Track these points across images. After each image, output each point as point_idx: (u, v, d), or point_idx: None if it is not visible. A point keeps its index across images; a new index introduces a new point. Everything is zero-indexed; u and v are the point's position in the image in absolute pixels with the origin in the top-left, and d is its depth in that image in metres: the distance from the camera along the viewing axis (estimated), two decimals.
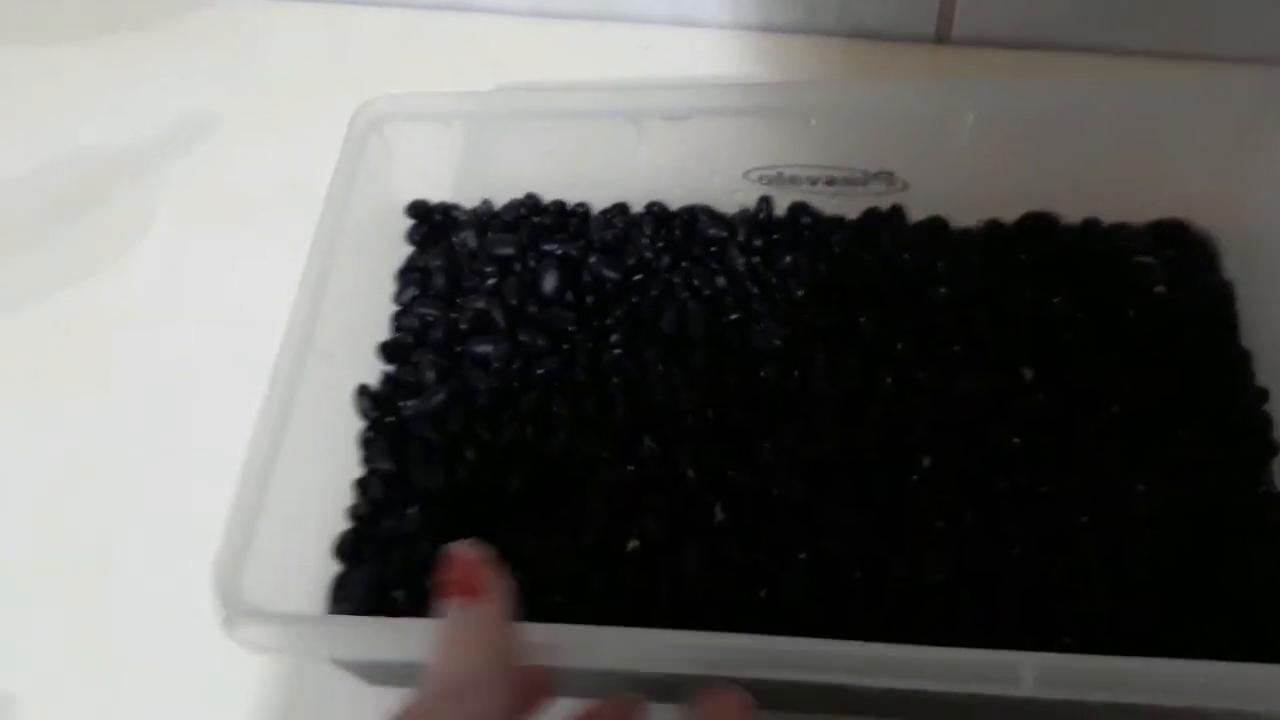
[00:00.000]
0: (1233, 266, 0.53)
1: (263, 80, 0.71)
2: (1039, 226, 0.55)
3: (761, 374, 0.51)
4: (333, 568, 0.50)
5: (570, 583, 0.47)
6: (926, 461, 0.48)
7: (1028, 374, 0.51)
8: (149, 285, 0.64)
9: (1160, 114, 0.52)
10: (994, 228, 0.55)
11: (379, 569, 0.49)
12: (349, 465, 0.53)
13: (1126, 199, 0.54)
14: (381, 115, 0.56)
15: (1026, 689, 0.36)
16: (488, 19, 0.72)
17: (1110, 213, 0.55)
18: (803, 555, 0.47)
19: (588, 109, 0.56)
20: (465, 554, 0.37)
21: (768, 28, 0.68)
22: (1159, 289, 0.52)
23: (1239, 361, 0.50)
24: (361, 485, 0.52)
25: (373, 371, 0.55)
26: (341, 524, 0.51)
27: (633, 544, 0.48)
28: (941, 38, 0.66)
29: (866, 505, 0.48)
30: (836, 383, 0.51)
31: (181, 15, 0.75)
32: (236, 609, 0.42)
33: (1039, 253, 0.54)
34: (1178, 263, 0.53)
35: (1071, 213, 0.55)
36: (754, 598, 0.46)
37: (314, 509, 0.51)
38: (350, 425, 0.54)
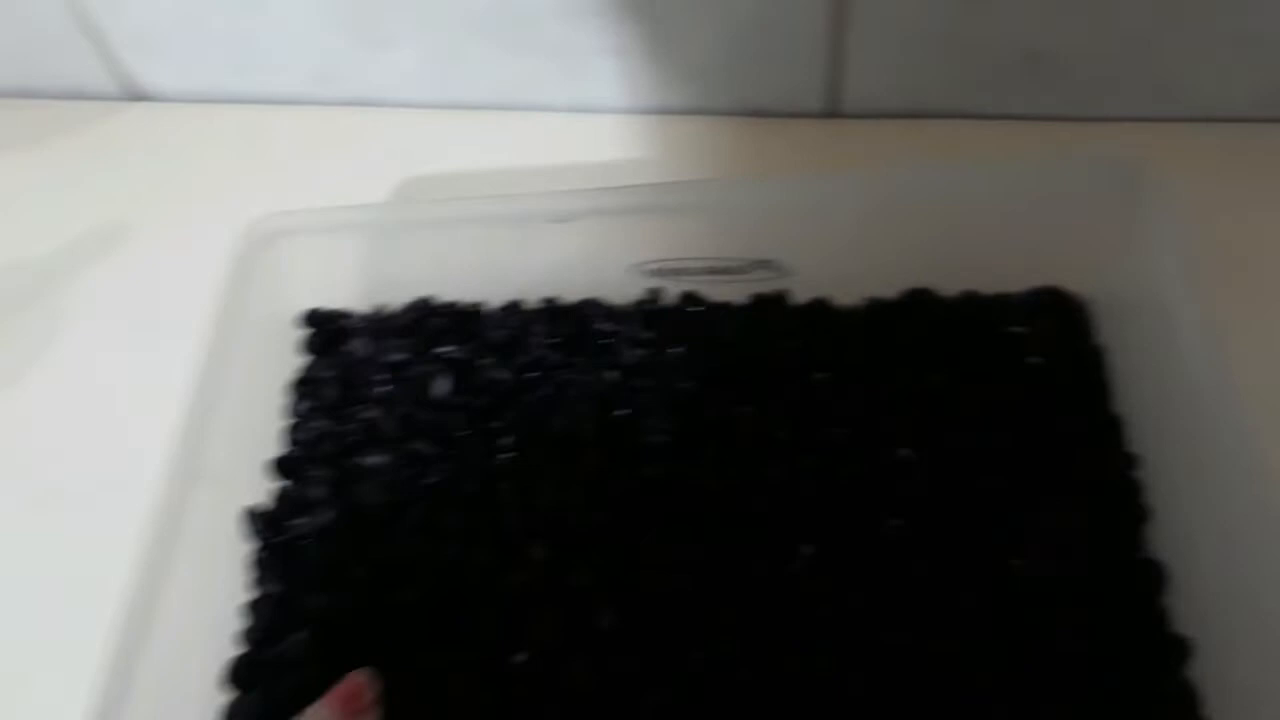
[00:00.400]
0: (1106, 332, 0.53)
1: (173, 186, 0.71)
2: (918, 302, 0.55)
3: (647, 472, 0.51)
4: (223, 697, 0.49)
5: (460, 700, 0.46)
6: (808, 550, 0.48)
7: (906, 454, 0.51)
8: (45, 401, 0.63)
9: (1032, 184, 0.53)
10: (875, 306, 0.55)
11: (268, 697, 0.48)
12: (240, 587, 0.52)
13: (1005, 268, 0.55)
14: (272, 232, 0.56)
15: None
16: (396, 114, 0.72)
17: (990, 283, 0.55)
18: (695, 656, 0.46)
19: (474, 216, 0.56)
20: (358, 681, 0.43)
21: (665, 110, 0.69)
22: (1033, 359, 0.52)
23: (1111, 428, 0.50)
24: (251, 609, 0.51)
25: (264, 488, 0.55)
26: (231, 650, 0.50)
27: (520, 657, 0.47)
28: (831, 112, 0.66)
29: (754, 599, 0.47)
30: (721, 476, 0.50)
31: (92, 122, 0.75)
32: None
33: (919, 329, 0.54)
34: (1052, 331, 0.53)
35: (952, 285, 0.55)
36: (645, 707, 0.45)
37: (203, 635, 0.50)
38: (243, 546, 0.53)
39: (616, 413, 0.53)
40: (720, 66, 0.65)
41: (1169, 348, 0.46)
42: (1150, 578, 0.46)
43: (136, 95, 0.75)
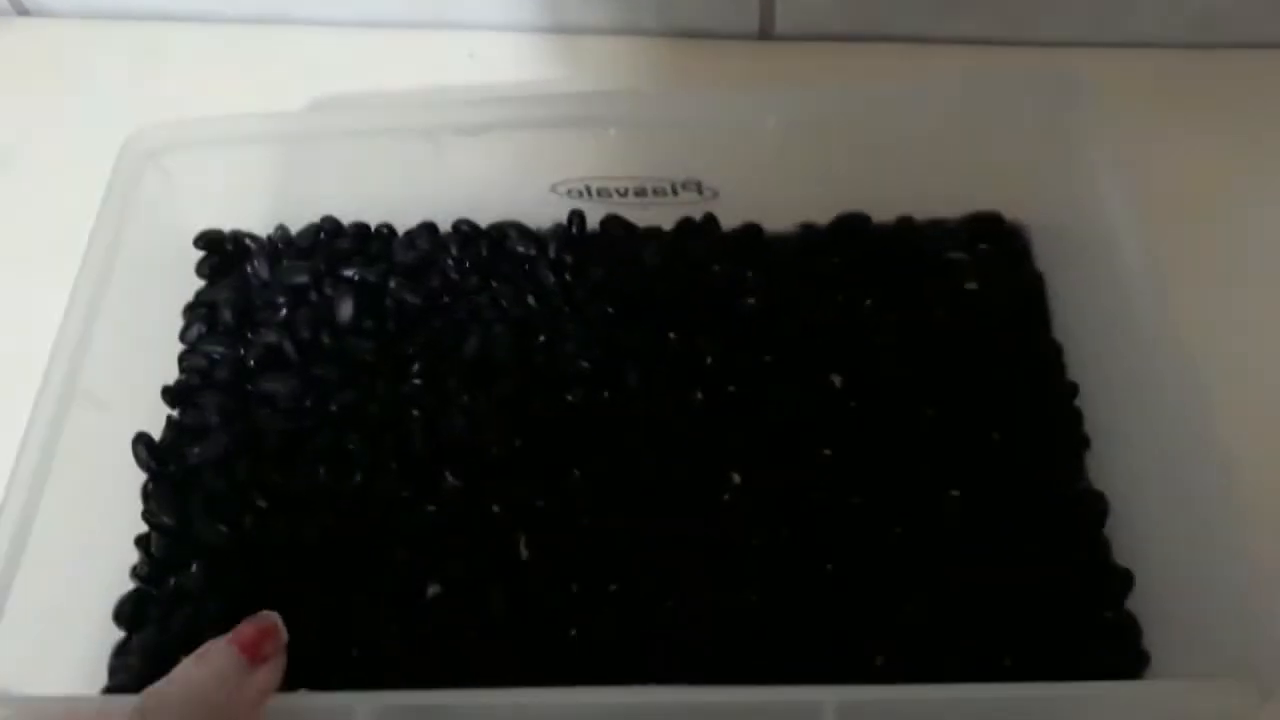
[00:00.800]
0: (1045, 258, 0.52)
1: (62, 105, 0.66)
2: (852, 228, 0.53)
3: (569, 398, 0.48)
4: (116, 634, 0.46)
5: (369, 635, 0.44)
6: (736, 479, 0.46)
7: (837, 381, 0.49)
8: None
9: (968, 108, 0.51)
10: (807, 232, 0.53)
11: (160, 634, 0.45)
12: (131, 521, 0.49)
13: (941, 194, 0.53)
14: (157, 145, 0.52)
15: None
16: (309, 31, 0.67)
17: (926, 209, 0.53)
18: (613, 588, 0.44)
19: (378, 126, 0.53)
20: (268, 620, 0.39)
21: (591, 30, 0.65)
22: (970, 285, 0.51)
23: (1050, 356, 0.49)
24: (142, 542, 0.48)
25: (159, 418, 0.51)
26: (125, 585, 0.47)
27: (433, 589, 0.45)
28: (765, 33, 0.64)
29: (679, 530, 0.45)
30: (646, 403, 0.48)
31: None
32: None
33: (852, 255, 0.52)
34: (990, 257, 0.52)
35: (887, 212, 0.54)
36: (564, 638, 0.43)
37: (90, 570, 0.47)
38: (135, 477, 0.49)
39: (535, 339, 0.51)
40: None
41: (1108, 273, 0.45)
42: (1092, 509, 0.45)
43: (22, 9, 0.70)
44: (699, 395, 0.48)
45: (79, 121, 0.65)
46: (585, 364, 0.49)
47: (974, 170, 0.52)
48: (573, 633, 0.43)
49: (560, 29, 0.65)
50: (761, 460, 0.46)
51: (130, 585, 0.47)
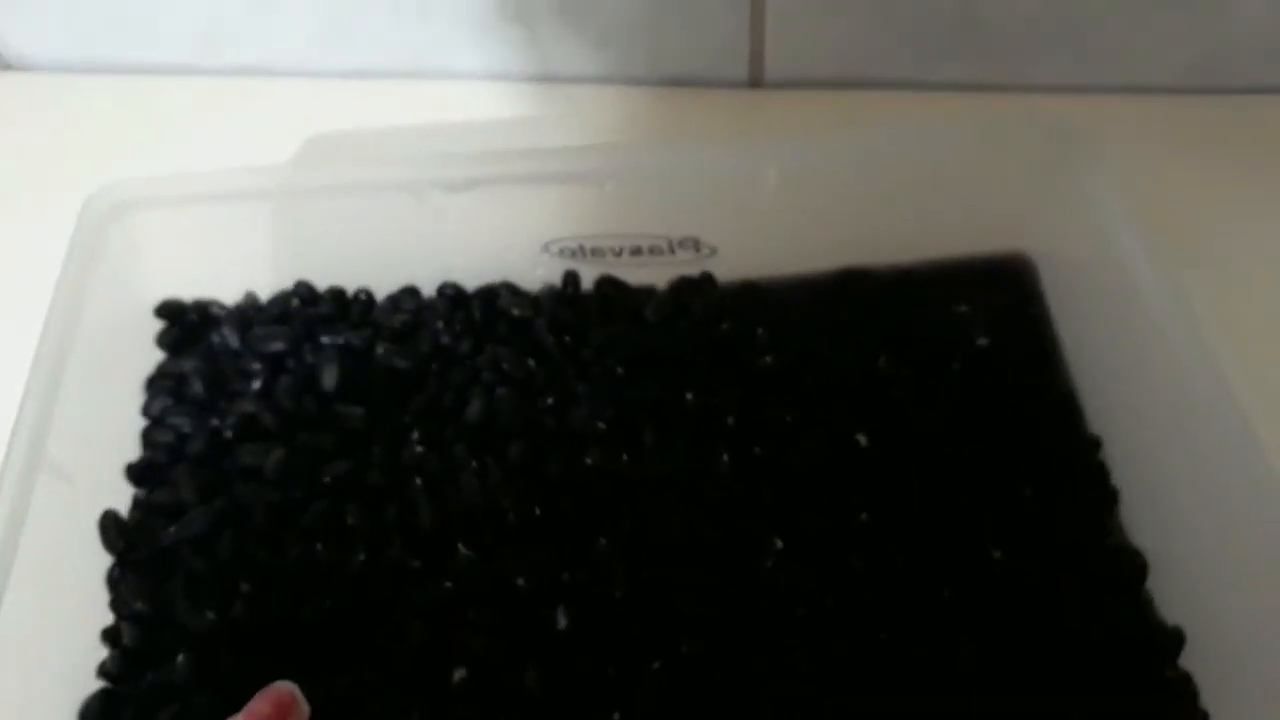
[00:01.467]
0: (1054, 299, 0.51)
1: (41, 162, 0.62)
2: (854, 283, 0.51)
3: (587, 460, 0.45)
4: None
5: None
6: (778, 544, 0.43)
7: (863, 440, 0.46)
8: None
9: (968, 153, 0.50)
10: (808, 285, 0.51)
11: None
12: (96, 612, 0.44)
13: (942, 239, 0.52)
14: (121, 202, 0.48)
15: None
16: (291, 82, 0.64)
17: (928, 255, 0.52)
18: (657, 664, 0.41)
19: (359, 181, 0.50)
20: (285, 693, 0.35)
21: (580, 79, 0.64)
22: (980, 335, 0.50)
23: (1068, 405, 0.48)
24: (110, 634, 0.43)
25: (120, 499, 0.46)
26: (89, 685, 0.42)
27: (460, 673, 0.41)
28: (755, 81, 0.63)
29: (718, 597, 0.42)
30: (669, 463, 0.45)
31: None
32: None
33: (859, 310, 0.51)
34: (998, 303, 0.51)
35: (889, 259, 0.52)
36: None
37: (56, 669, 0.42)
38: (95, 564, 0.45)
39: (542, 401, 0.48)
40: (635, 33, 0.61)
41: (1128, 309, 0.44)
42: (1130, 565, 0.44)
43: (4, 64, 0.66)
44: (725, 457, 0.45)
45: (59, 176, 0.60)
46: (601, 425, 0.46)
47: (975, 213, 0.51)
48: (616, 716, 0.40)
49: (549, 78, 0.64)
50: (798, 525, 0.44)
51: (96, 685, 0.42)
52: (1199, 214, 0.54)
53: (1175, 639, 0.41)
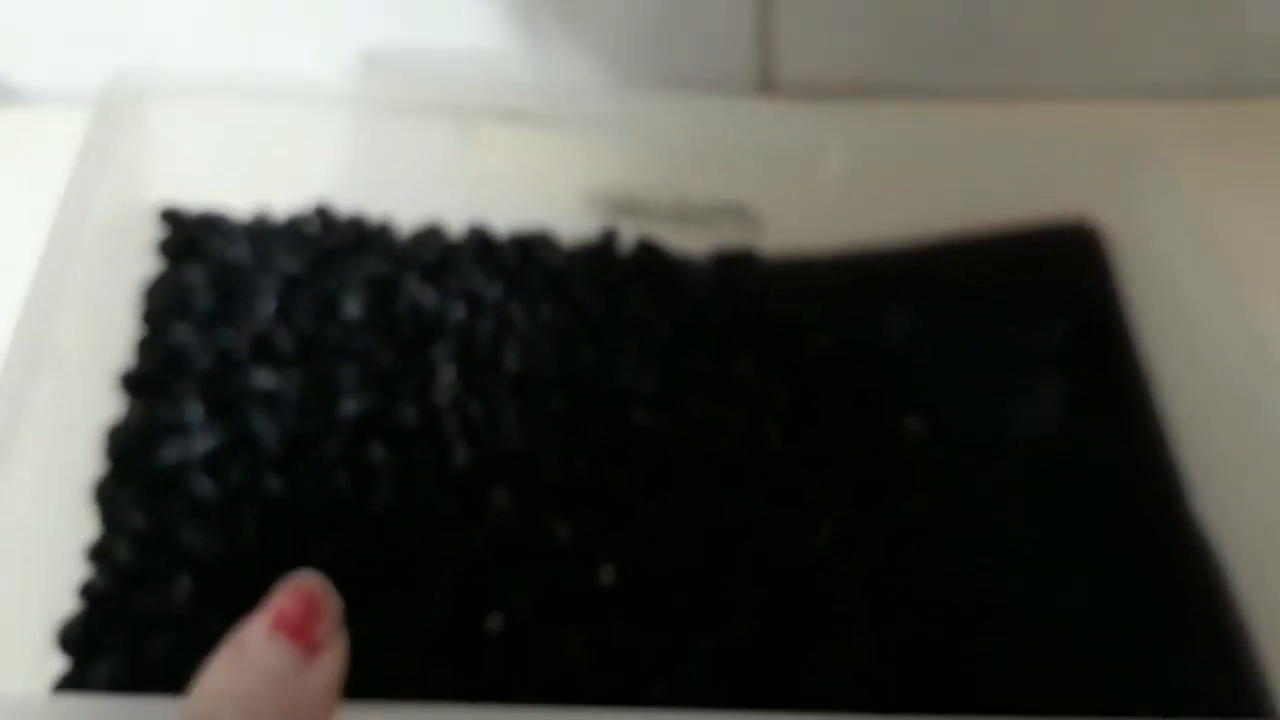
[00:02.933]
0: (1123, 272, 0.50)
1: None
2: (904, 258, 0.50)
3: (635, 419, 0.42)
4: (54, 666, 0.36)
5: (408, 680, 0.35)
6: (827, 529, 0.41)
7: (915, 428, 0.45)
8: None
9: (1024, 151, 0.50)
10: (858, 260, 0.50)
11: (129, 662, 0.36)
12: (77, 527, 0.39)
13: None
14: (140, 90, 0.45)
15: None
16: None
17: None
18: (703, 636, 0.38)
19: (404, 100, 0.47)
20: (312, 590, 0.29)
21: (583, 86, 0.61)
22: (1044, 317, 0.49)
23: (1128, 379, 0.47)
24: (100, 552, 0.38)
25: (111, 408, 0.42)
26: (64, 605, 0.38)
27: (494, 623, 0.37)
28: (765, 87, 0.61)
29: (770, 577, 0.40)
30: (716, 435, 0.43)
31: None
32: None
33: (907, 287, 0.49)
34: (1061, 279, 0.50)
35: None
36: (648, 694, 0.37)
37: (29, 585, 0.37)
38: (79, 477, 0.40)
39: (583, 354, 0.45)
40: (642, 42, 0.59)
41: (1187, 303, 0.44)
42: (1197, 550, 0.42)
43: (11, 98, 0.61)
44: (776, 435, 0.43)
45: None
46: (648, 383, 0.43)
47: (1032, 222, 0.50)
48: (657, 685, 0.37)
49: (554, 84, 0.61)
50: (848, 515, 0.42)
51: (72, 604, 0.38)
52: (1217, 215, 0.52)
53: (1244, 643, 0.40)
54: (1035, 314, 0.48)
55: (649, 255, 0.49)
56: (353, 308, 0.45)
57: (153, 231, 0.47)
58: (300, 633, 0.28)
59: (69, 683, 0.36)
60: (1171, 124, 0.58)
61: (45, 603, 0.37)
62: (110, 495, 0.39)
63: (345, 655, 0.29)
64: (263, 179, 0.48)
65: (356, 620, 0.35)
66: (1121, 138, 0.48)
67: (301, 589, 0.29)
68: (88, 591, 0.38)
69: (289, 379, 0.42)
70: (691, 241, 0.50)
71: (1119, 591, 0.41)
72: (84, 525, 0.39)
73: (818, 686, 0.38)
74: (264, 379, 0.42)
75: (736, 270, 0.49)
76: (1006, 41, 0.58)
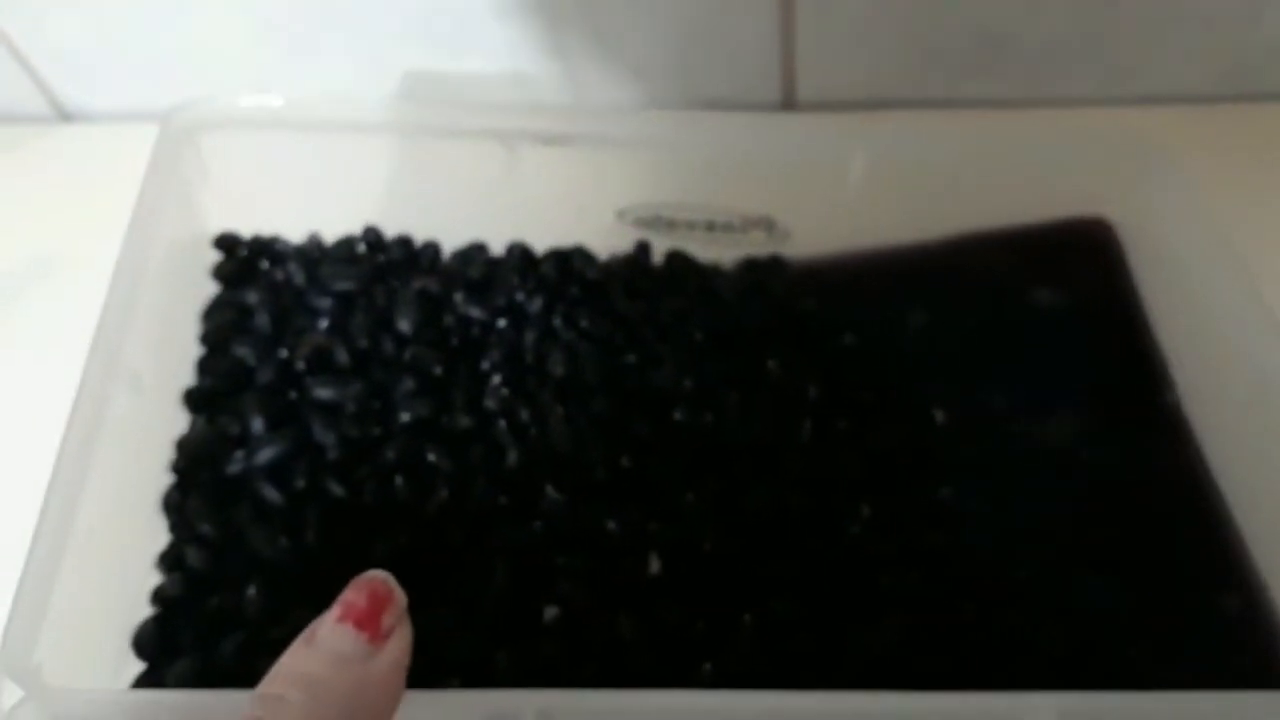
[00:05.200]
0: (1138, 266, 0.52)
1: (109, 208, 0.57)
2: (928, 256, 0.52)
3: (676, 416, 0.44)
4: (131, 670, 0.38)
5: (470, 665, 0.38)
6: (865, 512, 0.43)
7: (939, 417, 0.47)
8: None
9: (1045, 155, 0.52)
10: (885, 260, 0.52)
11: (202, 663, 0.38)
12: (148, 537, 0.41)
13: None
14: (197, 122, 0.47)
15: None
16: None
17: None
18: (748, 618, 0.40)
19: (451, 125, 0.49)
20: (380, 583, 0.31)
21: (614, 108, 0.63)
22: (1060, 308, 0.50)
23: (1144, 365, 0.48)
24: (170, 558, 0.40)
25: (177, 425, 0.44)
26: (140, 611, 0.40)
27: (551, 613, 0.39)
28: (788, 104, 0.63)
29: (807, 561, 0.41)
30: (753, 429, 0.45)
31: (24, 144, 0.62)
32: None
33: (935, 284, 0.51)
34: (1079, 273, 0.51)
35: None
36: (698, 674, 0.38)
37: (107, 587, 0.39)
38: (148, 490, 0.42)
39: (624, 358, 0.47)
40: (668, 61, 0.61)
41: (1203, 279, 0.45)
42: (1224, 538, 0.44)
43: (65, 115, 0.64)
44: (808, 427, 0.45)
45: (122, 227, 0.58)
46: (688, 383, 0.45)
47: (1049, 218, 0.51)
48: (707, 667, 0.39)
49: (584, 109, 0.63)
50: (881, 500, 0.43)
51: (147, 610, 0.40)
52: (1228, 218, 0.54)
53: (1268, 611, 0.41)
54: (1053, 306, 0.50)
55: (681, 264, 0.51)
56: (405, 323, 0.47)
57: (211, 257, 0.49)
58: (366, 622, 0.30)
59: (144, 684, 0.38)
60: (1183, 128, 0.59)
61: (122, 609, 0.39)
62: (179, 505, 0.42)
63: (410, 642, 0.31)
64: (314, 204, 0.50)
65: (419, 612, 0.38)
66: (1134, 140, 0.50)
67: (367, 583, 0.31)
68: (160, 597, 0.40)
69: (347, 390, 0.44)
70: (723, 253, 0.52)
71: (1140, 571, 0.42)
72: (157, 535, 0.41)
73: (856, 664, 0.39)
74: (323, 390, 0.44)
75: (766, 275, 0.51)
76: (1020, 54, 0.59)
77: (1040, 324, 0.50)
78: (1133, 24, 0.58)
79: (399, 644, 0.31)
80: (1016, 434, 0.46)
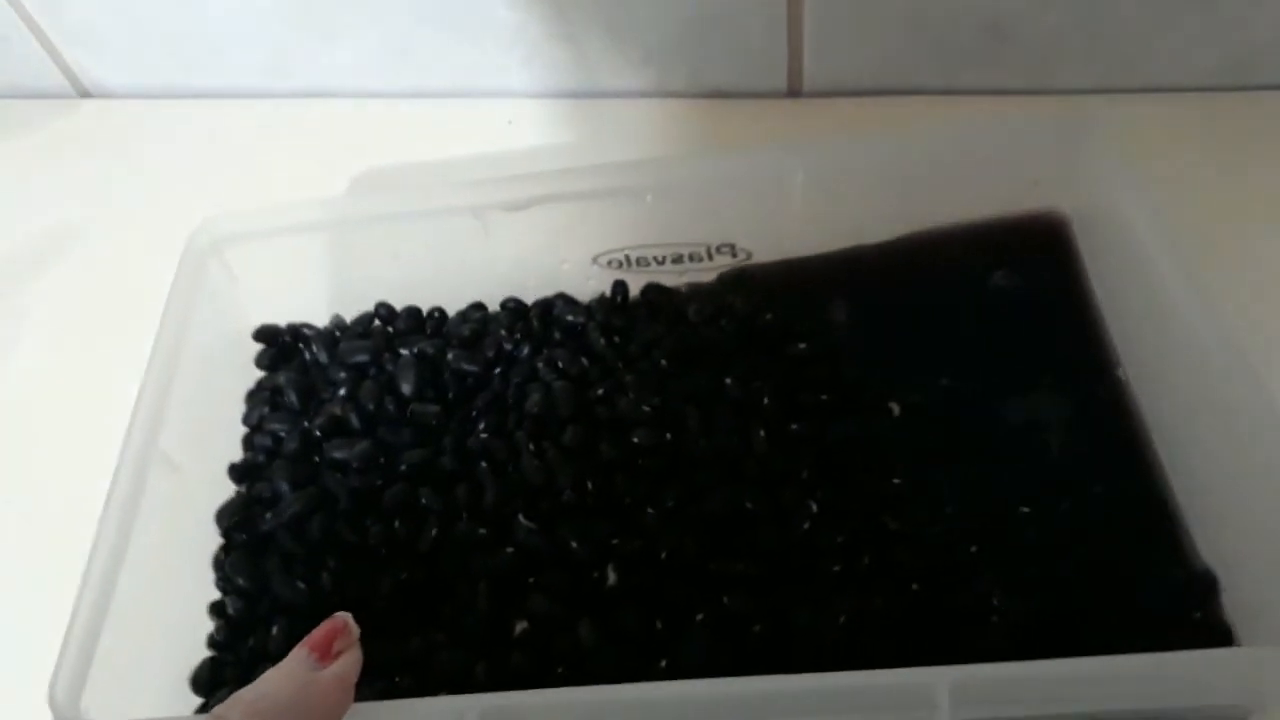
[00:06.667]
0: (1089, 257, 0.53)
1: (126, 184, 0.69)
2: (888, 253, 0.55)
3: (635, 440, 0.50)
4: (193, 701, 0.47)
5: (457, 676, 0.44)
6: (814, 508, 0.47)
7: (895, 409, 0.50)
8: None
9: (992, 153, 0.53)
10: (844, 259, 0.55)
11: None
12: (206, 591, 0.50)
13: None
14: (217, 238, 0.55)
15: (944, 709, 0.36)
16: (350, 104, 0.71)
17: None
18: (700, 615, 0.45)
19: (428, 208, 0.55)
20: (338, 621, 0.39)
21: (624, 93, 0.69)
22: (1013, 297, 0.53)
23: (1096, 350, 0.50)
24: (216, 608, 0.49)
25: (223, 495, 0.53)
26: (200, 654, 0.48)
27: (521, 626, 0.46)
28: (794, 91, 0.66)
29: (758, 556, 0.46)
30: (711, 441, 0.50)
31: (41, 120, 0.73)
32: None
33: (890, 282, 0.54)
34: (1032, 265, 0.53)
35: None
36: (655, 670, 0.44)
37: (167, 641, 0.48)
38: (206, 550, 0.51)
39: (593, 391, 0.52)
40: (677, 48, 0.65)
41: (1147, 281, 0.47)
42: (1163, 512, 0.46)
43: (84, 91, 0.73)
44: (761, 433, 0.50)
45: (142, 198, 0.68)
46: (647, 409, 0.51)
47: (1001, 213, 0.54)
48: (663, 664, 0.44)
49: (593, 94, 0.69)
50: (832, 493, 0.48)
51: (206, 654, 0.48)
52: (1229, 208, 0.56)
53: (1208, 582, 0.44)
54: (1008, 296, 0.53)
55: (656, 295, 0.56)
56: (408, 383, 0.54)
57: (247, 348, 0.58)
58: (318, 646, 0.38)
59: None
60: (1183, 117, 0.60)
61: (186, 652, 0.48)
62: (222, 561, 0.50)
63: (357, 663, 0.39)
64: (330, 291, 0.58)
65: (418, 633, 0.46)
66: (1086, 136, 0.51)
67: (329, 620, 0.39)
68: (211, 642, 0.48)
69: (355, 449, 0.52)
70: (697, 278, 0.57)
71: (1086, 546, 0.45)
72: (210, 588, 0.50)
73: (806, 648, 0.44)
74: (337, 450, 0.52)
75: (734, 287, 0.56)
76: (1024, 43, 0.61)
77: (996, 313, 0.52)
78: (1134, 13, 0.59)
79: (344, 663, 0.38)
80: (970, 419, 0.49)
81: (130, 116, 0.72)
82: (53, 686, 0.41)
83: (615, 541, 0.47)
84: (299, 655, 0.38)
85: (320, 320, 0.58)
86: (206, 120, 0.72)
